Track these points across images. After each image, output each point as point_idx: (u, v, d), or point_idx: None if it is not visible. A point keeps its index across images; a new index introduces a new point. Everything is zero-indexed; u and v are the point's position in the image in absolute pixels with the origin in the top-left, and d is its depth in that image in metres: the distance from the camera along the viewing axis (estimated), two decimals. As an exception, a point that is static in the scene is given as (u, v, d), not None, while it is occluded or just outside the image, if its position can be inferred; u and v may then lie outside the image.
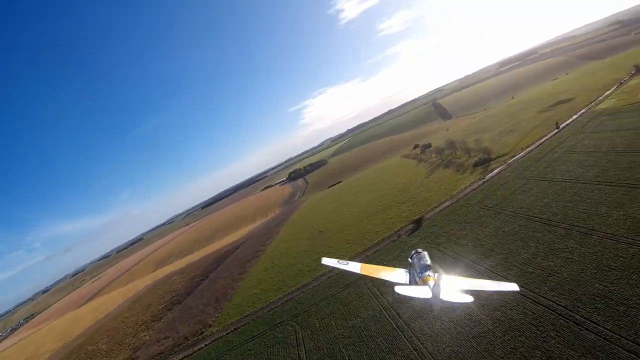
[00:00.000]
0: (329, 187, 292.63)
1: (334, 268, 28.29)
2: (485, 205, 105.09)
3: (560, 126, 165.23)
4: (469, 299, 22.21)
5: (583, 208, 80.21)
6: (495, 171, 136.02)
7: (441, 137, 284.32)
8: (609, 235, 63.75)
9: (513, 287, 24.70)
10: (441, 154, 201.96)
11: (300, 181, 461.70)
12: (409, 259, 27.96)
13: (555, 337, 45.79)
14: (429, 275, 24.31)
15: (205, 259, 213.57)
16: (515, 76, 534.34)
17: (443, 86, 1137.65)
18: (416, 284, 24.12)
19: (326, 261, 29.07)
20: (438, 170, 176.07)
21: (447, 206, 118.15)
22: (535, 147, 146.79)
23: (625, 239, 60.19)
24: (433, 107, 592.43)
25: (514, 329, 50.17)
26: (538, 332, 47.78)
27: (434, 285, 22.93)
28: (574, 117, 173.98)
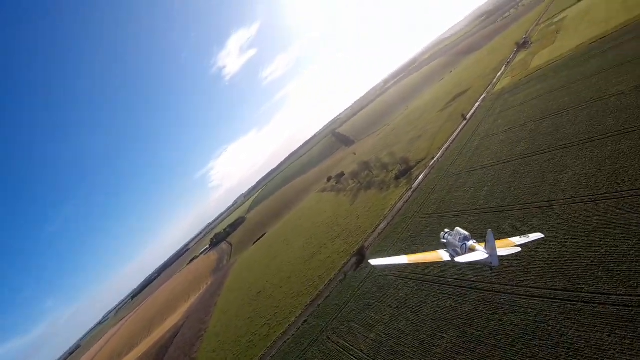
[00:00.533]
0: (254, 242, 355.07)
1: (382, 266, 58.54)
2: (425, 214, 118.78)
3: (467, 116, 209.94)
4: (517, 249, 42.43)
5: (529, 183, 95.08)
6: (421, 177, 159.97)
7: (351, 162, 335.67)
8: (570, 199, 73.62)
9: (538, 235, 46.29)
10: (357, 177, 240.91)
11: (223, 245, 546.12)
12: (442, 240, 50.53)
13: (573, 327, 49.04)
14: (473, 243, 43.01)
15: (148, 354, 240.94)
16: (403, 87, 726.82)
17: (337, 116, 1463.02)
18: (461, 254, 41.01)
19: (374, 262, 50.07)
20: (360, 195, 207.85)
21: (385, 227, 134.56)
22: (451, 143, 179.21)
23: (589, 197, 70.13)
24: (334, 138, 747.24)
25: (520, 333, 54.15)
26: (552, 329, 50.92)
27: (485, 247, 40.15)
28: (477, 104, 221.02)
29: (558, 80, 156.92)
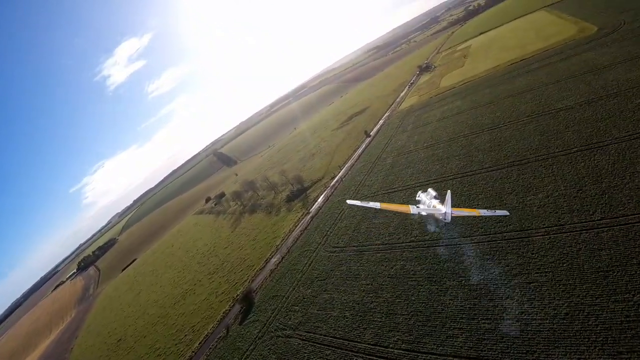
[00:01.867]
0: (123, 269, 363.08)
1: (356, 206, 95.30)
2: (334, 247, 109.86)
3: (371, 133, 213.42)
4: (473, 213, 70.41)
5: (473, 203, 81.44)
6: (320, 199, 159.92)
7: (233, 182, 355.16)
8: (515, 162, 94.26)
9: (504, 212, 67.85)
10: (240, 199, 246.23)
11: (92, 270, 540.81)
12: (417, 198, 75.13)
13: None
14: (437, 202, 66.93)
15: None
16: (291, 110, 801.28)
17: (221, 136, 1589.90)
18: (429, 209, 67.88)
19: (351, 202, 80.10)
20: (244, 219, 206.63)
21: (279, 262, 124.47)
22: (356, 161, 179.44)
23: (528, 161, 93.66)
24: (215, 157, 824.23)
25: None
26: None
27: (446, 204, 61.00)
28: (381, 122, 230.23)
29: (482, 97, 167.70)
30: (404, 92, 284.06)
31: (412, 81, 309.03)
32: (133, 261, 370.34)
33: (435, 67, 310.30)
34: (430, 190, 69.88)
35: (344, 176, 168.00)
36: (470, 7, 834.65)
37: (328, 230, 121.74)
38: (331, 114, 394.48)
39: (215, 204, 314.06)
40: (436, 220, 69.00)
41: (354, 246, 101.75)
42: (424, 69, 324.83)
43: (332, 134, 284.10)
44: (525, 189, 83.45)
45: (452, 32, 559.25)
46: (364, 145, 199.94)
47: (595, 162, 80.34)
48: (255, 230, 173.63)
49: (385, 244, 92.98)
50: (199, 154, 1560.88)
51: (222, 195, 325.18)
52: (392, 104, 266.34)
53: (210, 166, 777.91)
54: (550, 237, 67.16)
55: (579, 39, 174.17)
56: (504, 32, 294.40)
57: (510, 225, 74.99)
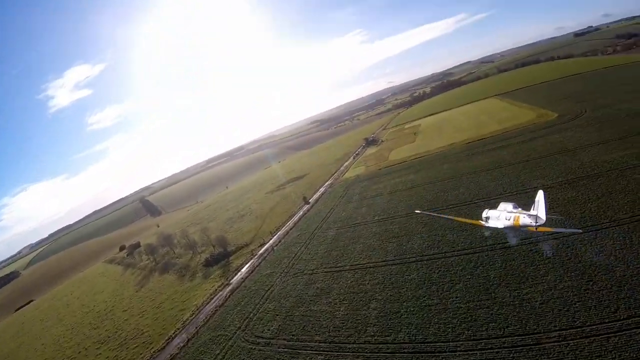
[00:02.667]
0: (17, 309, 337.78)
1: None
2: (257, 338, 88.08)
3: (310, 200, 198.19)
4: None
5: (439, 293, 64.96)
6: (245, 270, 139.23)
7: (152, 234, 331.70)
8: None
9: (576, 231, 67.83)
10: (154, 253, 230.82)
11: None
12: (485, 215, 74.40)
13: None
14: (520, 210, 67.34)
15: None
16: (226, 169, 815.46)
17: (152, 183, 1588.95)
18: (507, 222, 67.42)
19: (421, 212, 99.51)
20: (153, 278, 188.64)
21: (182, 346, 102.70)
22: (291, 229, 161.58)
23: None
24: (141, 204, 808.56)
25: None
26: None
27: (533, 209, 63.40)
28: (321, 189, 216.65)
29: (439, 172, 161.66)
30: (348, 162, 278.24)
31: (357, 152, 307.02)
32: (29, 302, 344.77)
33: (382, 141, 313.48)
34: (503, 204, 67.91)
35: (276, 245, 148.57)
36: (416, 94, 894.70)
37: (251, 313, 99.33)
38: (267, 177, 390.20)
39: (128, 255, 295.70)
40: (516, 231, 67.77)
41: (284, 340, 79.27)
42: (371, 142, 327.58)
43: (265, 197, 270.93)
44: (517, 279, 67.41)
45: (399, 113, 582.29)
46: (301, 212, 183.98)
47: (599, 246, 68.91)
48: (163, 295, 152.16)
49: (329, 342, 71.25)
50: (125, 197, 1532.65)
51: (137, 245, 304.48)
52: (335, 172, 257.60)
53: (134, 212, 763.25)
54: (568, 345, 51.85)
55: (539, 124, 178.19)
56: (456, 115, 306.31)
57: (508, 325, 57.39)
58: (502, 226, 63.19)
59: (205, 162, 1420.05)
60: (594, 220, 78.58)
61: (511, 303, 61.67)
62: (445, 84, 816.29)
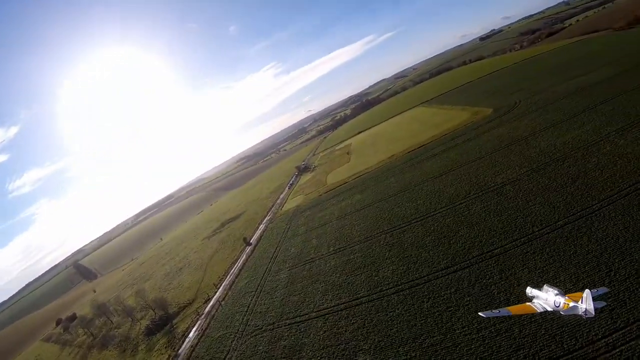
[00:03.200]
0: None
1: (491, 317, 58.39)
2: None
3: (251, 240, 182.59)
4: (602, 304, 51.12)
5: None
6: (193, 334, 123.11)
7: (88, 302, 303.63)
8: None
9: (603, 290, 53.51)
10: (90, 326, 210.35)
11: None
12: (529, 294, 56.98)
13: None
14: (567, 297, 52.14)
15: None
16: (157, 220, 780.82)
17: (84, 246, 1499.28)
18: (556, 307, 52.73)
19: (485, 314, 54.88)
20: (92, 356, 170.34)
21: None
22: (236, 277, 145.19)
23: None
24: (75, 269, 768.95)
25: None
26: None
27: (586, 301, 49.15)
28: (261, 227, 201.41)
29: (388, 187, 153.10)
30: (284, 193, 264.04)
31: (291, 182, 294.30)
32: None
33: (315, 167, 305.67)
34: (546, 287, 56.98)
35: (223, 298, 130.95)
36: (337, 117, 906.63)
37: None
38: (201, 222, 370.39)
39: (64, 330, 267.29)
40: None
41: None
42: (303, 169, 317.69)
43: (202, 244, 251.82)
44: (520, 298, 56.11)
45: (324, 138, 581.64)
46: (244, 256, 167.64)
47: (597, 232, 64.09)
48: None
49: None
50: (59, 264, 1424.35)
51: (73, 317, 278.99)
52: (272, 206, 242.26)
53: (69, 279, 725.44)
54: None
55: (477, 121, 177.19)
56: (386, 128, 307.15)
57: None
58: (552, 309, 55.57)
59: (134, 216, 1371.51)
60: (582, 204, 72.77)
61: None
62: (364, 103, 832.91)
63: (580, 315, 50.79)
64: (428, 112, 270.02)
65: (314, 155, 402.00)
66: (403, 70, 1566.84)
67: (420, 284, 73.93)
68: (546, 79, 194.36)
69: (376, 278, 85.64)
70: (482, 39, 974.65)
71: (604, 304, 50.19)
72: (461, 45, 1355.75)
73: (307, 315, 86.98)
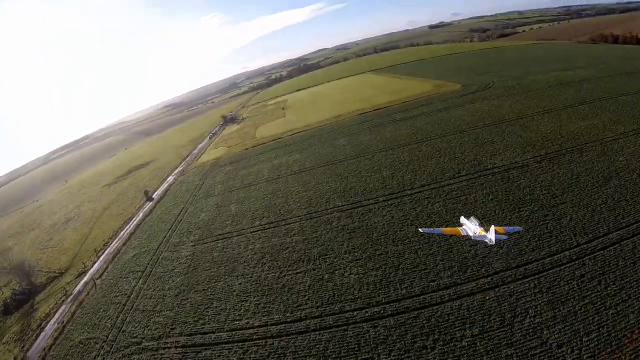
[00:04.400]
0: None
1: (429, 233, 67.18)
2: None
3: (153, 195, 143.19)
4: (504, 237, 60.99)
5: None
6: (51, 327, 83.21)
7: None
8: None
9: (517, 229, 63.55)
10: None
11: None
12: (461, 221, 68.58)
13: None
14: (481, 229, 62.82)
15: None
16: (69, 160, 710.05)
17: None
18: (474, 234, 63.19)
19: (423, 230, 66.05)
20: None
21: None
22: (124, 244, 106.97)
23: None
24: None
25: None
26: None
27: (491, 233, 59.49)
28: (170, 179, 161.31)
29: (335, 149, 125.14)
30: (204, 143, 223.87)
31: (214, 131, 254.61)
32: None
33: (244, 118, 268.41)
34: (472, 218, 67.48)
35: (100, 275, 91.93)
36: (272, 77, 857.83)
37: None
38: (109, 167, 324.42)
39: None
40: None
41: None
42: (230, 119, 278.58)
43: (101, 192, 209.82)
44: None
45: (257, 93, 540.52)
46: (141, 215, 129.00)
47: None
48: None
49: None
50: None
51: None
52: (188, 156, 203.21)
53: None
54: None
55: (444, 94, 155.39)
56: (330, 89, 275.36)
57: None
58: (472, 235, 65.25)
59: (48, 154, 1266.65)
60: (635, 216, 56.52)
61: None
62: (303, 68, 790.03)
63: (486, 242, 61.69)
64: (380, 79, 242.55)
65: (243, 107, 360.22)
66: (345, 44, 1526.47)
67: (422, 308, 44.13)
68: (517, 68, 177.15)
69: (330, 284, 54.12)
70: (431, 27, 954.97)
71: (505, 237, 61.05)
72: (408, 30, 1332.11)
73: (213, 336, 52.78)
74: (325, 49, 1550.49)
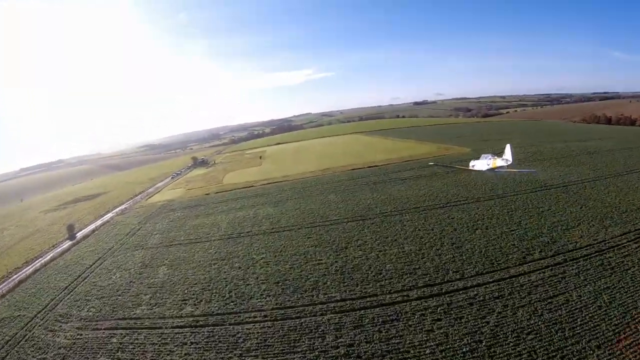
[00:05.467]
0: None
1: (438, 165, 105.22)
2: None
3: (78, 234, 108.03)
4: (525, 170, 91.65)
5: None
6: None
7: None
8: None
9: (532, 171, 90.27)
10: None
11: None
12: (471, 165, 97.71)
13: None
14: (496, 157, 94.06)
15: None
16: (35, 179, 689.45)
17: None
18: (487, 165, 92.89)
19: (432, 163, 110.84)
20: None
21: None
22: (17, 285, 77.07)
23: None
24: None
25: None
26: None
27: (508, 154, 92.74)
28: (109, 215, 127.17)
29: (323, 205, 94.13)
30: (163, 182, 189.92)
31: (178, 172, 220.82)
32: None
33: (215, 163, 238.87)
34: (483, 155, 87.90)
35: None
36: (255, 132, 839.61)
37: None
38: (63, 194, 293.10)
39: None
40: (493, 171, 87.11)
41: None
42: (200, 162, 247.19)
43: (35, 218, 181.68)
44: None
45: (237, 144, 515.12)
46: (50, 255, 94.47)
47: None
48: None
49: None
50: None
51: None
52: (140, 193, 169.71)
53: None
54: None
55: (455, 156, 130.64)
56: (315, 144, 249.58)
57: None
58: (485, 169, 76.80)
59: (19, 170, 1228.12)
60: None
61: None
62: (287, 127, 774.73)
63: (503, 165, 76.51)
64: (371, 139, 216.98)
65: (218, 154, 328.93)
66: (331, 111, 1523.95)
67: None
68: (526, 137, 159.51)
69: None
70: (416, 103, 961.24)
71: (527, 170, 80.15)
72: (392, 105, 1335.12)
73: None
74: (309, 113, 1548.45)
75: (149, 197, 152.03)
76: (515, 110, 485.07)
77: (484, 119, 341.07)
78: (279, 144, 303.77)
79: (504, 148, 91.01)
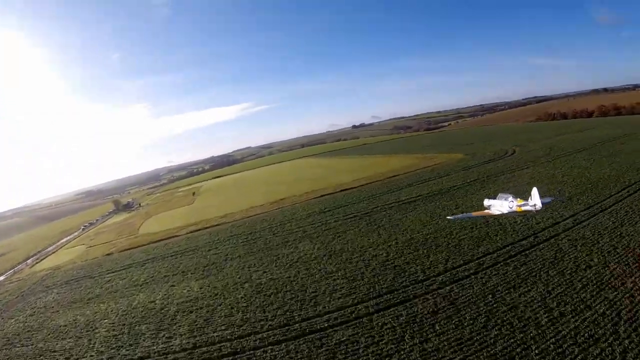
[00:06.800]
0: None
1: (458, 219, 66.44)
2: None
3: None
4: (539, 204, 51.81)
5: None
6: None
7: None
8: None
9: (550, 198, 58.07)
10: None
11: None
12: (487, 205, 60.71)
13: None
14: (518, 198, 54.76)
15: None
16: None
17: None
18: (510, 208, 55.42)
19: (452, 217, 65.86)
20: None
21: None
22: None
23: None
24: None
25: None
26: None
27: (534, 198, 51.34)
28: None
29: (284, 272, 55.46)
30: (66, 239, 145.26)
31: (93, 221, 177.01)
32: None
33: (141, 206, 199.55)
34: (501, 194, 62.04)
35: None
36: (195, 170, 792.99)
37: None
38: None
39: None
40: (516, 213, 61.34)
41: None
42: (124, 207, 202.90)
43: None
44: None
45: (173, 183, 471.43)
46: None
47: None
48: None
49: None
50: None
51: None
52: (33, 255, 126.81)
53: None
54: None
55: (453, 164, 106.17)
56: (264, 171, 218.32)
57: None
58: (506, 211, 58.88)
59: None
60: None
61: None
62: (227, 162, 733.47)
63: (530, 210, 57.22)
64: (328, 161, 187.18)
65: (149, 195, 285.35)
66: (270, 143, 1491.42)
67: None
68: (506, 140, 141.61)
69: None
70: (354, 127, 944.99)
71: (550, 199, 58.92)
72: (330, 132, 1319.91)
73: None
74: (249, 147, 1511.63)
75: (39, 261, 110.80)
76: (457, 122, 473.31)
77: (439, 130, 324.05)
78: (218, 177, 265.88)
79: (529, 191, 63.00)
